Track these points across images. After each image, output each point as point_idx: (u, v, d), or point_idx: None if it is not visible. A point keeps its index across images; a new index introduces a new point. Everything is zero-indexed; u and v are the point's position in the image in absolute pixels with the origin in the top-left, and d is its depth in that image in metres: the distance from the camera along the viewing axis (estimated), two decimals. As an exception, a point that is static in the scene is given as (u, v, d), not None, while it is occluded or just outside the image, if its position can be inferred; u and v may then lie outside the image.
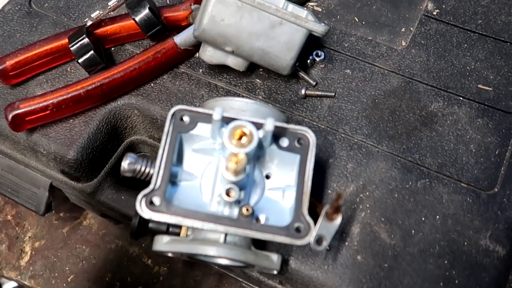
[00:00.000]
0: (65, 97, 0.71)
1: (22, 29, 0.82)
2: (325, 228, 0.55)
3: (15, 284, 1.05)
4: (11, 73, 0.75)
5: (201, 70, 0.77)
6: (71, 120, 0.74)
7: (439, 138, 0.70)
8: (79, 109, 0.74)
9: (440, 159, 0.69)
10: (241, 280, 0.74)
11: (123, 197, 0.77)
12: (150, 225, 0.63)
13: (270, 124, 0.54)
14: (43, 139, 0.73)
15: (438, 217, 0.64)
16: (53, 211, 0.94)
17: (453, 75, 0.76)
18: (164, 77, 0.77)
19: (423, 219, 0.64)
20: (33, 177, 0.81)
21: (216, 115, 0.54)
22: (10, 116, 0.69)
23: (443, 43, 0.79)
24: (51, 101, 0.71)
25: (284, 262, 0.63)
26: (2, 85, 0.77)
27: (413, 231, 0.64)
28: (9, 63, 0.74)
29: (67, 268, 0.94)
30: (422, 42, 0.79)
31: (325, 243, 0.54)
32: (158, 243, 0.59)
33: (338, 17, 0.83)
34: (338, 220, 0.55)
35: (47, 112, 0.71)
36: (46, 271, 0.94)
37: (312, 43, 0.77)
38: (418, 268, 0.62)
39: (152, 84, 0.76)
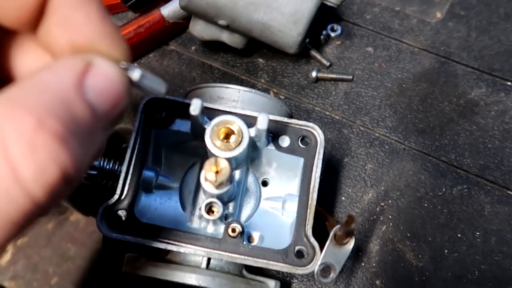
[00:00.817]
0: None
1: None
2: (333, 254, 0.43)
3: None
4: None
5: (193, 48, 0.65)
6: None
7: (481, 133, 0.57)
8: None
9: (481, 160, 0.56)
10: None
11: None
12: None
13: (263, 122, 0.42)
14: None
15: (478, 233, 0.52)
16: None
17: (499, 55, 0.62)
18: (150, 55, 0.66)
19: (459, 235, 0.52)
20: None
21: (194, 109, 0.42)
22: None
23: (488, 15, 0.65)
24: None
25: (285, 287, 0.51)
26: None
27: (446, 251, 0.52)
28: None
29: (50, 269, 0.84)
30: (462, 13, 0.65)
31: (333, 275, 0.42)
32: (128, 264, 0.48)
33: (359, -18, 0.69)
34: (350, 245, 0.43)
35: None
36: (27, 272, 0.84)
37: (326, 14, 0.64)
38: (452, 299, 0.50)
39: (135, 64, 0.64)
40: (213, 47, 0.65)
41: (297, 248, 0.44)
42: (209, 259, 0.46)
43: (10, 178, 0.20)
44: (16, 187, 0.20)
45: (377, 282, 0.51)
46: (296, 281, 0.52)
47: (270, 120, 0.43)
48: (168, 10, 0.63)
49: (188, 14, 0.62)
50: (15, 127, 0.20)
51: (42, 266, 0.85)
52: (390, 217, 0.53)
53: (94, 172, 0.47)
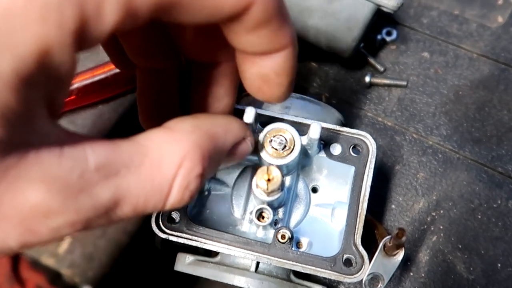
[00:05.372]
0: (91, 80, 0.63)
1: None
2: (382, 264, 0.43)
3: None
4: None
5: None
6: (99, 106, 0.66)
7: (541, 144, 0.55)
8: (108, 94, 0.65)
9: (540, 172, 0.54)
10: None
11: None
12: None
13: (315, 131, 0.42)
14: (70, 126, 0.66)
15: (534, 248, 0.50)
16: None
17: None
18: (205, 59, 0.66)
19: (513, 249, 0.51)
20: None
21: (248, 117, 0.43)
22: (31, 102, 0.62)
23: (553, 19, 0.62)
24: (76, 85, 0.63)
25: (332, 292, 0.52)
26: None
27: (499, 265, 0.50)
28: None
29: (104, 259, 0.88)
30: (525, 17, 0.63)
31: (380, 285, 0.43)
32: (180, 263, 0.49)
33: (417, -15, 0.68)
34: (400, 256, 0.43)
35: (73, 97, 0.64)
36: (83, 261, 0.89)
37: (382, 18, 0.64)
38: (504, 315, 0.48)
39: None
40: (266, 50, 0.65)
41: (345, 256, 0.44)
42: (258, 263, 0.47)
43: (166, 187, 0.29)
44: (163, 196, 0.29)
45: (426, 293, 0.50)
46: (342, 287, 0.52)
47: (322, 128, 0.43)
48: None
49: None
50: (186, 159, 0.29)
51: (97, 256, 0.89)
52: (441, 227, 0.52)
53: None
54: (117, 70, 0.63)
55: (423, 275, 0.51)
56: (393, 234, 0.40)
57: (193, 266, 0.49)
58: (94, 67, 0.64)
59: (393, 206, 0.54)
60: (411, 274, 0.51)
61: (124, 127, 0.66)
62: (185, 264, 0.49)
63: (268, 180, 0.41)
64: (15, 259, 1.17)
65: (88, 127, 0.66)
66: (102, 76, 0.63)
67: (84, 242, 0.91)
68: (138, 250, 0.87)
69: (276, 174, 0.40)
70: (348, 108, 0.60)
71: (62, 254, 0.90)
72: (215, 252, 0.49)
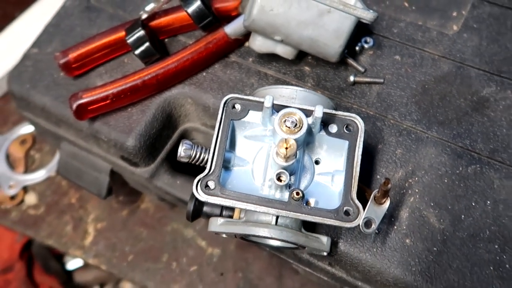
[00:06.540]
0: (123, 87, 0.75)
1: (81, 23, 0.87)
2: (373, 211, 0.56)
3: (80, 261, 1.13)
4: (73, 65, 0.80)
5: (251, 59, 0.79)
6: (129, 109, 0.78)
7: (491, 123, 0.70)
8: (136, 98, 0.77)
9: (492, 145, 0.68)
10: (291, 261, 0.76)
11: (178, 182, 0.81)
12: (205, 208, 0.66)
13: (319, 111, 0.56)
14: (104, 127, 0.78)
15: (488, 202, 0.64)
16: (114, 195, 1.00)
17: (506, 59, 0.74)
18: (216, 66, 0.80)
19: (473, 204, 0.64)
20: (95, 163, 0.87)
21: (267, 103, 0.56)
22: (74, 106, 0.74)
23: (497, 27, 0.78)
24: (111, 91, 0.75)
25: (334, 244, 0.65)
26: (66, 77, 0.82)
27: (462, 216, 0.64)
28: (71, 56, 0.79)
29: (127, 249, 0.99)
30: (475, 26, 0.78)
31: (373, 226, 0.56)
32: (213, 224, 0.62)
33: (387, 2, 0.83)
34: (387, 204, 0.56)
35: (107, 101, 0.76)
36: (108, 251, 0.99)
37: (360, 29, 0.78)
38: (467, 253, 0.62)
39: (204, 74, 0.79)
40: (267, 58, 0.79)
41: (345, 208, 0.57)
42: (277, 218, 0.60)
43: None
44: None
45: (407, 241, 0.64)
46: (342, 240, 0.65)
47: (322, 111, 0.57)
48: (230, 29, 0.78)
49: (247, 32, 0.76)
50: None
51: (120, 246, 1.00)
52: (416, 190, 0.66)
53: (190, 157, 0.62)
54: (146, 77, 0.75)
55: (404, 227, 0.64)
56: (381, 183, 0.53)
57: (225, 225, 0.61)
58: (124, 76, 0.77)
59: (378, 177, 0.68)
60: (395, 227, 0.64)
61: (150, 126, 0.78)
62: (217, 225, 0.62)
63: (286, 148, 0.54)
64: (29, 264, 1.27)
65: (119, 127, 0.78)
66: (132, 83, 0.76)
67: (106, 235, 1.02)
68: (155, 238, 0.99)
69: (292, 142, 0.54)
70: (338, 102, 0.74)
71: (88, 246, 1.01)
72: (239, 212, 0.62)
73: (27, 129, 1.12)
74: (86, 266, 1.16)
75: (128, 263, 0.98)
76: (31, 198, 1.05)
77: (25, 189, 1.06)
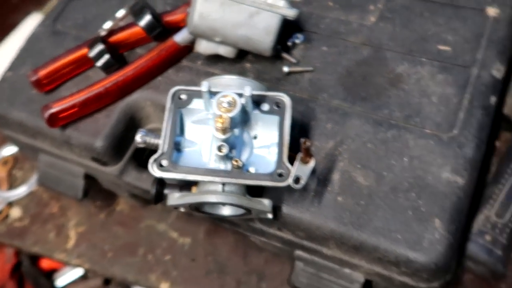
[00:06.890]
0: (88, 95, 0.86)
1: (50, 46, 0.98)
2: (301, 170, 0.67)
3: (69, 277, 1.21)
4: (43, 82, 0.90)
5: (199, 62, 0.91)
6: (95, 115, 0.88)
7: (405, 94, 0.81)
8: (101, 104, 0.88)
9: (406, 112, 0.80)
10: (249, 234, 0.86)
11: (144, 176, 0.91)
12: (165, 191, 0.76)
13: (247, 90, 0.67)
14: (75, 132, 0.88)
15: (406, 159, 0.75)
16: (91, 201, 1.10)
17: (416, 41, 0.87)
18: (169, 71, 0.91)
19: (393, 162, 0.75)
20: (70, 169, 0.96)
21: (204, 88, 0.67)
22: (46, 115, 0.85)
23: (407, 15, 0.90)
24: (77, 100, 0.86)
25: (278, 209, 0.75)
26: (37, 93, 0.92)
27: (384, 173, 0.75)
28: (41, 73, 0.90)
29: (106, 247, 1.08)
30: (389, 16, 0.91)
31: (302, 182, 0.66)
32: (171, 199, 0.72)
33: (314, 3, 0.95)
34: (312, 162, 0.67)
35: (76, 109, 0.86)
36: (89, 251, 1.08)
37: (292, 27, 0.89)
38: (390, 202, 0.73)
39: (160, 78, 0.90)
40: (213, 59, 0.90)
41: (278, 171, 0.67)
42: (223, 186, 0.70)
43: None
44: None
45: (339, 198, 0.74)
46: (285, 205, 0.75)
47: (254, 94, 0.68)
48: (179, 37, 0.89)
49: (194, 39, 0.88)
50: None
51: (100, 246, 1.09)
52: (345, 156, 0.77)
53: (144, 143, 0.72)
54: (108, 85, 0.86)
55: (336, 188, 0.75)
56: (301, 143, 0.64)
57: (181, 198, 0.71)
58: (89, 86, 0.87)
59: (313, 149, 0.78)
60: (328, 188, 0.75)
61: (116, 128, 0.88)
62: (175, 198, 0.72)
63: (222, 122, 0.65)
64: (20, 283, 1.35)
65: (88, 131, 0.88)
66: (96, 91, 0.86)
67: (87, 237, 1.11)
68: (131, 235, 1.08)
69: (225, 116, 0.64)
70: (275, 91, 0.85)
71: (70, 249, 1.10)
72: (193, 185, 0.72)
73: (8, 150, 1.22)
74: (75, 282, 1.25)
75: (108, 260, 1.06)
76: (15, 212, 1.14)
77: (10, 204, 1.15)
